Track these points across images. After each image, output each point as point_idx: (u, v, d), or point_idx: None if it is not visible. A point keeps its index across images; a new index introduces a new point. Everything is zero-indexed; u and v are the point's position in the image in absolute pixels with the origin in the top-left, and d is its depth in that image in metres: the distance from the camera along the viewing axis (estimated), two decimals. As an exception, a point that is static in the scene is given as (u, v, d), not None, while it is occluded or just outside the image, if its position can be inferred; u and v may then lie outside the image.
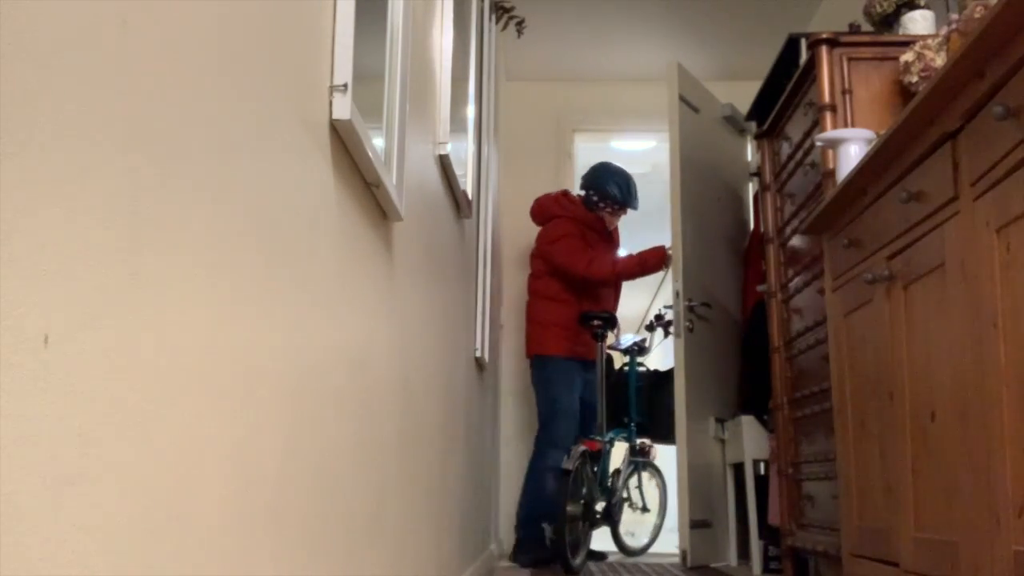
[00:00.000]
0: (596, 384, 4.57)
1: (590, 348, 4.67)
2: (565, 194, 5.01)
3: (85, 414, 0.63)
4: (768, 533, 4.12)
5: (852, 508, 2.42)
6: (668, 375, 4.78)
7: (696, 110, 4.91)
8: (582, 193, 4.96)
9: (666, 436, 4.72)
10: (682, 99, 4.78)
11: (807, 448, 3.20)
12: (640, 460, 4.88)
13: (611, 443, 4.63)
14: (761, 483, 4.24)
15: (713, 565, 4.49)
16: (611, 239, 5.01)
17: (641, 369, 4.93)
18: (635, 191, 4.96)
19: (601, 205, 4.88)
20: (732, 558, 4.56)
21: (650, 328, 4.93)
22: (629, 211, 4.99)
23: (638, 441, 4.86)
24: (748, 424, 4.30)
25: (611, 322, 4.56)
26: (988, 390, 1.64)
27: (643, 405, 4.83)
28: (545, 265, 4.82)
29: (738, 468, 4.49)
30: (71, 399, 0.61)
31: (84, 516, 0.62)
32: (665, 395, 4.69)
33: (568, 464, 3.86)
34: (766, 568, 4.22)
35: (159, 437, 0.74)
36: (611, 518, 4.42)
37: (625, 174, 4.95)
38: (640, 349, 4.92)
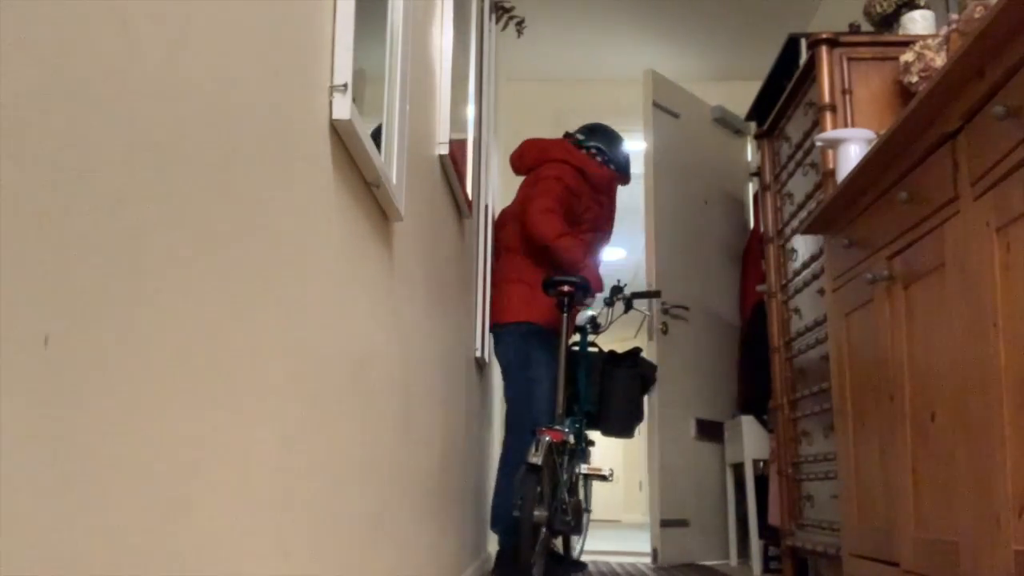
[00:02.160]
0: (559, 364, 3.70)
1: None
2: (566, 142, 4.14)
3: (85, 414, 0.63)
4: (768, 533, 4.12)
5: (852, 508, 2.42)
6: (625, 358, 4.19)
7: (676, 115, 5.00)
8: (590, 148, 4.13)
9: (619, 430, 4.16)
10: (658, 106, 4.86)
11: (807, 448, 3.20)
12: (585, 453, 4.01)
13: (575, 435, 3.75)
14: (761, 483, 4.24)
15: (708, 564, 4.50)
16: (611, 203, 4.16)
17: (593, 350, 4.18)
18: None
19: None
20: (732, 558, 4.57)
21: (609, 303, 4.17)
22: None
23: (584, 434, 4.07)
24: (748, 424, 4.31)
25: (585, 290, 3.66)
26: (988, 390, 1.64)
27: (594, 393, 4.11)
28: None
29: (738, 468, 4.49)
30: (71, 399, 0.61)
31: (85, 516, 0.62)
32: (619, 381, 4.10)
33: (536, 458, 3.13)
34: (766, 568, 4.23)
35: (160, 437, 0.74)
36: (577, 527, 3.62)
37: (623, 141, 4.28)
38: (595, 326, 4.16)
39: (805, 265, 3.21)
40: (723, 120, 5.26)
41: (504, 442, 3.80)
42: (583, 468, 3.69)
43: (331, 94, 1.27)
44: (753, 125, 4.70)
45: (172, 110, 0.77)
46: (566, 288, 3.61)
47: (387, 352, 1.70)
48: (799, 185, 3.27)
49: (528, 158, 4.10)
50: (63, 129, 0.60)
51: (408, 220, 1.90)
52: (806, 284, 3.21)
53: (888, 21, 3.14)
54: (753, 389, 4.43)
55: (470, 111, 3.17)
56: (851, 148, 2.64)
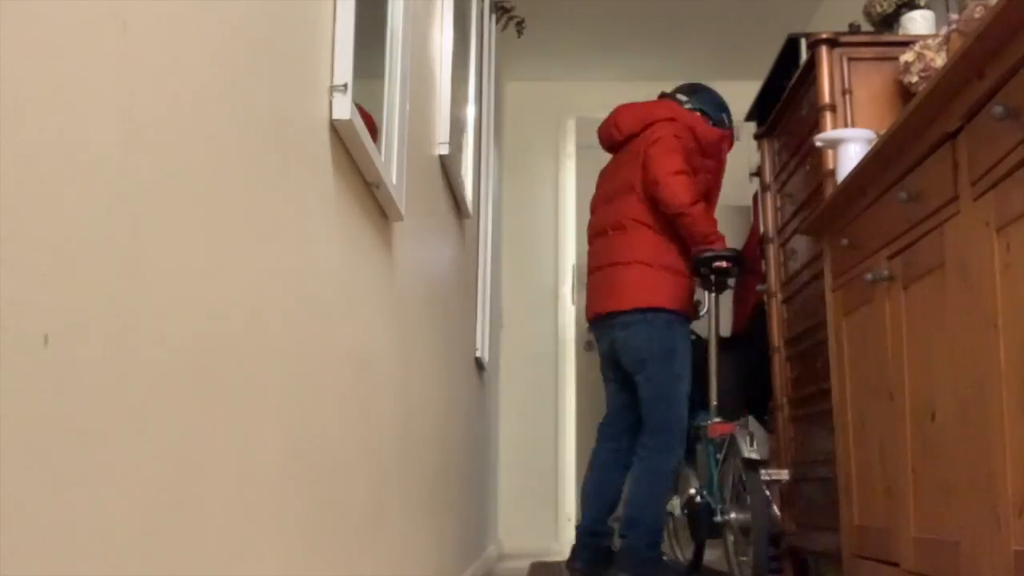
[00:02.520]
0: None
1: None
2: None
3: (85, 414, 0.63)
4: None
5: (852, 508, 2.42)
6: (724, 345, 3.75)
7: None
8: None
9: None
10: (589, 146, 5.08)
11: (807, 448, 3.19)
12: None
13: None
14: (761, 483, 4.23)
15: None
16: (720, 168, 3.74)
17: (691, 338, 3.72)
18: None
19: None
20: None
21: (708, 286, 3.48)
22: None
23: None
24: (749, 424, 4.30)
25: (741, 267, 3.27)
26: (988, 390, 1.64)
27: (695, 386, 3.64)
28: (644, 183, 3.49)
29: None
30: (71, 399, 0.61)
31: (84, 516, 0.62)
32: (723, 370, 3.57)
33: (754, 453, 2.88)
34: (766, 568, 4.22)
35: (160, 437, 0.74)
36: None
37: (724, 103, 3.85)
38: (696, 311, 3.70)
39: (805, 265, 3.21)
40: None
41: (644, 445, 3.38)
42: (771, 474, 3.19)
43: (331, 94, 1.27)
44: (753, 125, 4.70)
45: (172, 110, 0.77)
46: (725, 264, 3.22)
47: (387, 352, 1.70)
48: (799, 185, 3.27)
49: (626, 124, 3.61)
50: (63, 129, 0.60)
51: (408, 220, 1.90)
52: (806, 284, 3.21)
53: (888, 21, 3.14)
54: (754, 389, 4.42)
55: (470, 111, 3.17)
56: (851, 148, 2.64)
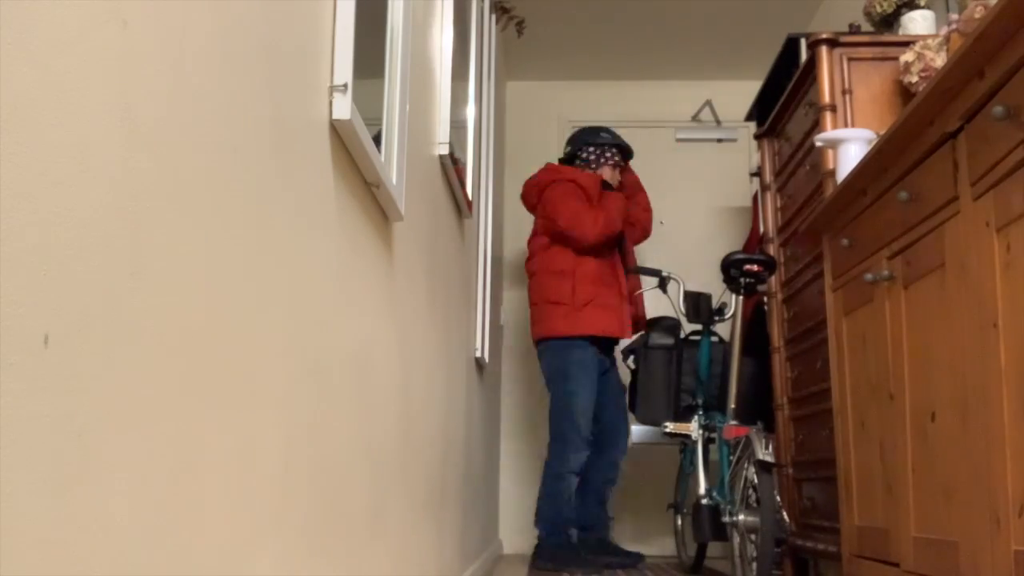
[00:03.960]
0: (727, 358, 3.52)
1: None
2: (550, 165, 4.39)
3: (85, 414, 0.63)
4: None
5: (852, 508, 2.42)
6: (751, 349, 3.80)
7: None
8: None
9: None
10: (579, 157, 5.31)
11: (807, 448, 3.20)
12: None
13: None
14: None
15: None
16: (619, 197, 4.26)
17: (714, 339, 3.81)
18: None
19: (602, 158, 4.28)
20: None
21: (737, 289, 3.41)
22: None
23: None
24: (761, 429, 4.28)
25: (773, 270, 3.37)
26: (988, 390, 1.64)
27: (713, 388, 3.73)
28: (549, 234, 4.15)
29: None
30: (71, 399, 0.61)
31: (84, 516, 0.62)
32: (742, 376, 3.59)
33: (768, 455, 2.95)
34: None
35: (160, 437, 0.74)
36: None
37: (602, 130, 4.41)
38: (719, 313, 3.77)
39: (805, 265, 3.22)
40: (693, 138, 5.43)
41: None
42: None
43: (331, 94, 1.27)
44: (752, 126, 4.70)
45: (172, 110, 0.77)
46: (756, 268, 3.32)
47: (387, 352, 1.70)
48: (799, 185, 3.27)
49: (528, 198, 4.30)
50: (63, 129, 0.60)
51: (408, 220, 1.90)
52: (806, 284, 3.21)
53: (888, 21, 3.14)
54: (755, 390, 4.41)
55: (470, 111, 3.17)
56: (851, 148, 2.64)
